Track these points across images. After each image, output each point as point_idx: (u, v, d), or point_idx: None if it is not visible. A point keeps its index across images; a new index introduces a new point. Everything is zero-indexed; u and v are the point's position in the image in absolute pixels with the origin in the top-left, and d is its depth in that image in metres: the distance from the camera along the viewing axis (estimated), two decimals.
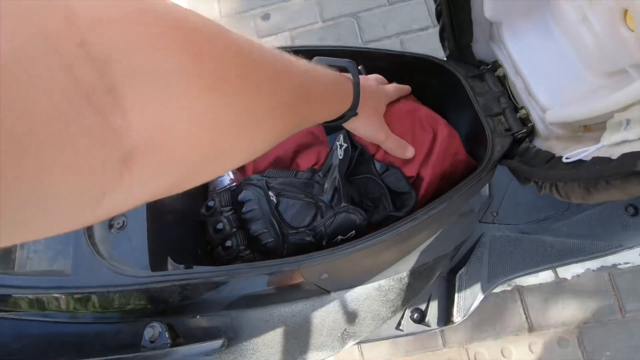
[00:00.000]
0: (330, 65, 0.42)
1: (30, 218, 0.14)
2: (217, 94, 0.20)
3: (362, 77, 0.50)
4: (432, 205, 0.48)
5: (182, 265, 0.46)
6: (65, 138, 0.14)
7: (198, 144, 0.20)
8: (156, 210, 0.50)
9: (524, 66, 0.51)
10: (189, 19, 0.20)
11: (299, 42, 1.41)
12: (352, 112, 0.44)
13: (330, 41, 1.40)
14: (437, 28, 0.58)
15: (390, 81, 0.67)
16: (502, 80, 0.57)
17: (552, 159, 0.43)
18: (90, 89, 0.15)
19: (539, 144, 0.51)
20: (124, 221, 0.47)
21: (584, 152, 0.36)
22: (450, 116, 0.69)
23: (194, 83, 0.19)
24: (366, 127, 0.49)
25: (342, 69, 0.45)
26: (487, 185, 0.83)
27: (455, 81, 0.60)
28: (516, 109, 0.55)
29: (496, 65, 0.57)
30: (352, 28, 1.39)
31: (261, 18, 1.45)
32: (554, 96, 0.47)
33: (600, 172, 0.29)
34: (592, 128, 0.42)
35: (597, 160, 0.32)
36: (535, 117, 0.52)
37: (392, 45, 1.37)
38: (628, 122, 0.33)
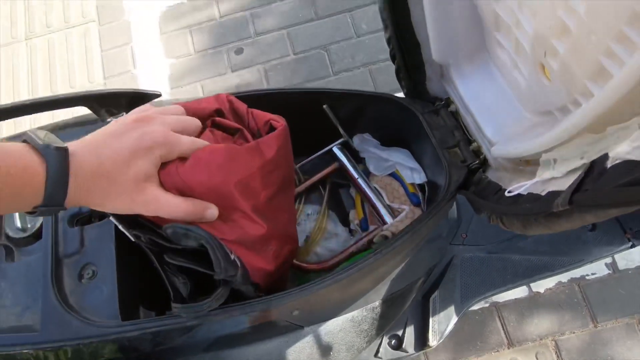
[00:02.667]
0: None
1: None
2: None
3: (114, 128, 0.35)
4: (396, 238, 0.51)
5: (154, 312, 0.47)
6: None
7: None
8: (126, 255, 0.50)
9: (472, 104, 0.55)
10: None
11: (272, 74, 1.46)
12: (47, 207, 0.29)
13: (302, 73, 1.45)
14: None
15: (351, 113, 0.70)
16: (455, 115, 0.61)
17: (499, 191, 0.46)
18: None
19: (491, 174, 0.54)
20: (93, 270, 0.47)
21: (522, 187, 0.39)
22: (413, 145, 0.73)
23: None
24: (129, 209, 0.35)
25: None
26: (455, 209, 0.87)
27: (413, 116, 0.64)
28: (469, 141, 0.59)
29: (449, 101, 0.61)
30: (322, 60, 1.45)
31: (234, 52, 1.50)
32: (499, 132, 0.52)
33: (529, 209, 0.32)
34: (531, 162, 0.46)
35: (529, 197, 0.36)
36: (485, 150, 0.56)
37: (361, 74, 1.43)
38: (555, 160, 0.37)
